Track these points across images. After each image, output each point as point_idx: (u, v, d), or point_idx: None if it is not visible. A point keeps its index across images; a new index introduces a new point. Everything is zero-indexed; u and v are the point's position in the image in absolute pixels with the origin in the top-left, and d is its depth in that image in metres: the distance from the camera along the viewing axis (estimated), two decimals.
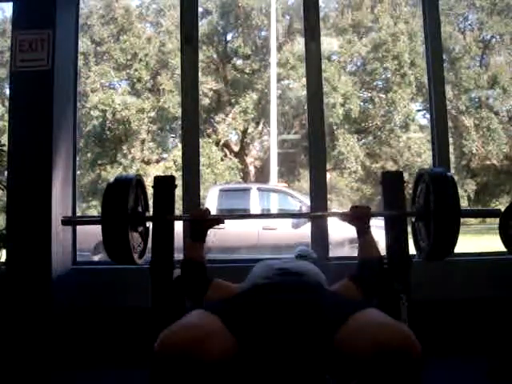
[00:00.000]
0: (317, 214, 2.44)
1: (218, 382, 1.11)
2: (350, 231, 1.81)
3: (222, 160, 10.99)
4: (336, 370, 1.18)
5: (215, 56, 11.96)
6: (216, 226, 1.80)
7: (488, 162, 11.52)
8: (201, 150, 2.61)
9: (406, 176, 1.86)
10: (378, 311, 1.18)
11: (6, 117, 2.74)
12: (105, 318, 2.29)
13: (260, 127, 11.88)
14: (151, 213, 1.79)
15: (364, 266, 1.66)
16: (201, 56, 2.83)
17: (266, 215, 7.04)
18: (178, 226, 1.87)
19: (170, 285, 1.69)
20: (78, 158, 2.61)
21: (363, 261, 1.69)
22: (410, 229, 1.86)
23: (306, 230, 2.70)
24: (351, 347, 1.08)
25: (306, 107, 2.55)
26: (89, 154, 11.35)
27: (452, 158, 3.36)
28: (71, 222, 2.18)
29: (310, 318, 1.20)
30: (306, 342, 1.17)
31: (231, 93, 11.65)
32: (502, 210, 1.73)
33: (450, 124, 8.41)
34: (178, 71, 4.26)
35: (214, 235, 1.90)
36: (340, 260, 2.44)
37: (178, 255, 1.78)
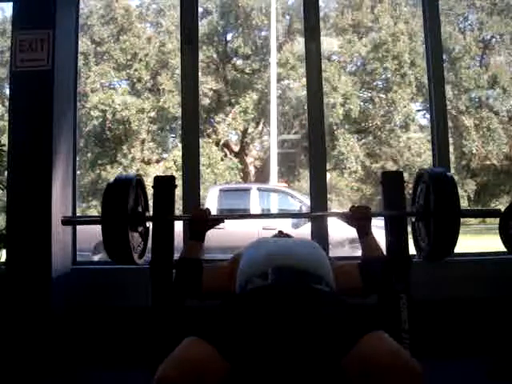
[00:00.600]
0: (317, 214, 2.44)
1: None
2: (350, 231, 1.81)
3: (222, 160, 10.99)
4: None
5: (215, 56, 11.95)
6: (216, 226, 1.80)
7: (488, 162, 11.51)
8: (201, 149, 2.62)
9: (406, 176, 1.86)
10: (385, 336, 1.14)
11: (6, 117, 2.74)
12: (105, 318, 2.29)
13: (260, 127, 11.88)
14: (151, 213, 1.79)
15: (367, 267, 1.66)
16: (201, 56, 2.83)
17: (266, 215, 7.03)
18: (178, 226, 1.87)
19: (170, 285, 1.69)
20: (78, 158, 2.62)
21: (366, 262, 1.68)
22: (410, 229, 1.86)
23: (306, 230, 2.69)
24: (355, 373, 1.07)
25: (305, 107, 2.55)
26: (89, 154, 11.35)
27: (452, 158, 3.36)
28: (71, 221, 2.18)
29: (312, 342, 1.14)
30: (308, 367, 1.14)
31: (231, 93, 11.65)
32: (502, 210, 1.73)
33: (450, 124, 8.43)
34: (178, 71, 4.26)
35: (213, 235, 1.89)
36: (340, 260, 2.43)
37: (178, 255, 1.78)
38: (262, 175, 11.21)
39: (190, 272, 1.64)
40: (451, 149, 9.00)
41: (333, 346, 1.12)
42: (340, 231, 2.95)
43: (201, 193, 2.54)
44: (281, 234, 1.84)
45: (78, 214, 2.93)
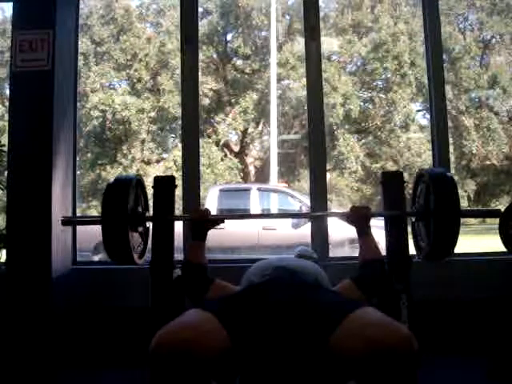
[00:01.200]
0: (317, 214, 2.44)
1: (213, 379, 1.12)
2: (350, 231, 1.81)
3: (222, 160, 10.99)
4: (332, 370, 1.17)
5: (215, 56, 11.96)
6: (216, 226, 1.81)
7: (488, 162, 11.52)
8: (201, 150, 2.62)
9: (406, 176, 1.86)
10: (373, 310, 1.16)
11: (6, 117, 2.73)
12: (105, 318, 2.29)
13: (260, 127, 11.88)
14: (151, 213, 1.79)
15: (365, 268, 1.66)
16: (201, 56, 2.83)
17: (266, 215, 7.04)
18: (178, 226, 1.87)
19: (170, 285, 1.70)
20: (78, 158, 2.61)
21: (364, 262, 1.69)
22: (410, 229, 1.86)
23: (306, 230, 2.69)
24: (346, 348, 1.07)
25: (306, 107, 2.55)
26: (89, 154, 11.36)
27: (452, 158, 3.36)
28: (71, 222, 2.18)
29: (304, 319, 1.19)
30: (299, 342, 1.16)
31: (231, 93, 11.65)
32: (502, 210, 1.73)
33: (450, 124, 8.42)
34: (178, 71, 4.26)
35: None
36: (340, 260, 2.44)
37: (178, 255, 1.78)
38: (262, 175, 11.22)
39: (196, 281, 1.64)
40: (451, 149, 9.00)
41: (319, 324, 1.15)
42: (340, 231, 2.95)
43: (201, 193, 2.54)
44: None
45: (78, 214, 2.93)
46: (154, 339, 1.06)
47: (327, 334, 1.11)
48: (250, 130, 11.71)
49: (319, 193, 2.44)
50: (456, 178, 1.73)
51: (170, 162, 10.74)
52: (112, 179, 1.69)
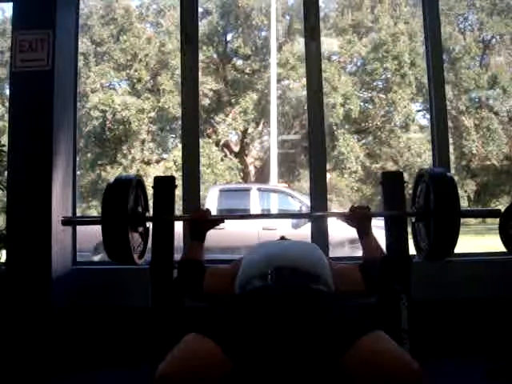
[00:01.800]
0: (317, 214, 2.44)
1: None
2: (350, 231, 1.81)
3: (222, 160, 11.00)
4: None
5: (215, 56, 11.96)
6: (216, 227, 1.80)
7: (488, 163, 11.52)
8: (201, 150, 2.61)
9: (406, 176, 1.86)
10: (384, 337, 1.14)
11: (6, 117, 2.73)
12: (105, 318, 2.29)
13: (260, 127, 11.89)
14: (151, 213, 1.79)
15: (369, 268, 1.66)
16: (201, 56, 2.83)
17: (266, 215, 7.03)
18: (178, 227, 1.87)
19: (170, 285, 1.69)
20: (78, 158, 2.61)
21: (367, 262, 1.69)
22: (410, 229, 1.86)
23: (306, 231, 2.69)
24: (356, 375, 1.06)
25: (306, 107, 2.55)
26: (89, 155, 11.36)
27: (452, 158, 3.36)
28: (71, 222, 2.18)
29: (311, 342, 1.14)
30: (306, 366, 1.13)
31: (231, 93, 11.65)
32: (502, 210, 1.73)
33: (450, 124, 8.42)
34: (178, 71, 4.26)
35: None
36: (340, 260, 2.44)
37: (178, 255, 1.78)
38: (262, 175, 11.22)
39: (191, 273, 1.65)
40: (451, 149, 9.00)
41: (330, 345, 1.12)
42: (340, 231, 2.95)
43: (201, 193, 2.54)
44: (282, 239, 1.84)
45: (77, 214, 2.93)
46: (157, 371, 1.05)
47: (337, 358, 1.09)
48: (250, 130, 11.71)
49: (319, 193, 2.44)
50: (456, 178, 1.73)
51: (170, 162, 10.75)
52: (112, 179, 1.69)
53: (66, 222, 1.91)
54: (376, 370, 1.03)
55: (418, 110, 11.74)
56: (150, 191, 1.81)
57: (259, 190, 6.45)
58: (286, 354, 1.14)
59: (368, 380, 1.04)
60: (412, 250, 1.78)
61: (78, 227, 2.41)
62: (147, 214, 1.82)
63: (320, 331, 1.16)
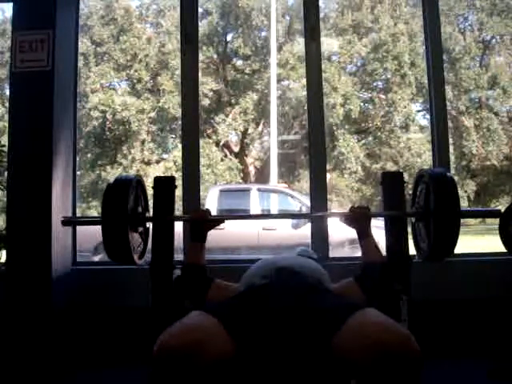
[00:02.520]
0: (317, 214, 2.44)
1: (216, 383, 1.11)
2: (350, 231, 1.81)
3: (222, 160, 11.00)
4: (334, 372, 1.17)
5: (215, 56, 11.96)
6: (216, 227, 1.80)
7: (488, 163, 11.52)
8: (201, 150, 2.62)
9: (406, 176, 1.86)
10: (375, 312, 1.16)
11: (6, 117, 2.74)
12: (105, 318, 2.29)
13: (260, 128, 11.88)
14: (151, 213, 1.79)
15: (367, 270, 1.66)
16: (201, 56, 2.83)
17: (266, 216, 7.04)
18: (178, 227, 1.87)
19: (170, 285, 1.69)
20: (78, 159, 2.61)
21: (366, 264, 1.68)
22: (410, 229, 1.86)
23: (305, 231, 2.69)
24: (349, 351, 1.06)
25: (306, 108, 2.55)
26: (89, 155, 11.36)
27: (452, 158, 3.36)
28: (71, 222, 2.18)
29: (306, 323, 1.18)
30: (302, 346, 1.16)
31: (231, 93, 11.66)
32: (502, 210, 1.73)
33: (450, 124, 8.43)
34: (178, 72, 4.25)
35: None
36: (340, 261, 2.44)
37: (178, 255, 1.78)
38: (262, 176, 11.22)
39: (195, 281, 1.64)
40: (451, 149, 9.00)
41: (322, 326, 1.14)
42: (340, 232, 2.95)
43: (201, 193, 2.54)
44: None
45: (78, 215, 2.93)
46: (157, 342, 1.05)
47: (329, 337, 1.10)
48: (250, 131, 11.71)
49: (319, 193, 2.44)
50: (456, 178, 1.73)
51: (170, 163, 10.75)
52: (112, 180, 1.69)
53: (66, 222, 1.91)
54: (367, 341, 1.02)
55: (418, 111, 11.75)
56: (150, 191, 1.81)
57: (259, 190, 6.45)
58: (283, 339, 1.17)
59: (361, 353, 1.02)
60: (412, 250, 1.78)
61: (78, 227, 2.41)
62: (147, 214, 1.81)
63: (311, 316, 1.19)
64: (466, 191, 11.45)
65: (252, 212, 5.81)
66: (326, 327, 1.13)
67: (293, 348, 1.16)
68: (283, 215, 6.01)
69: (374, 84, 11.99)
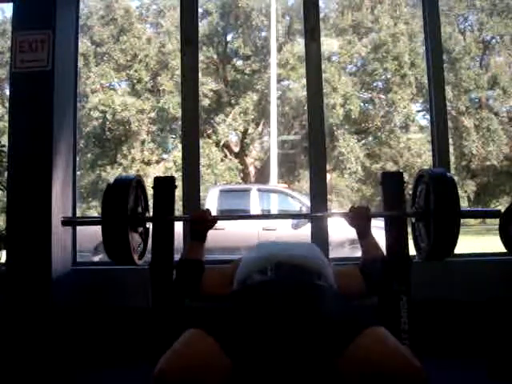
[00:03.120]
0: (317, 214, 2.44)
1: None
2: (350, 232, 1.81)
3: (222, 161, 11.01)
4: None
5: (215, 56, 11.97)
6: (216, 227, 1.80)
7: (488, 163, 11.52)
8: (201, 150, 2.61)
9: (406, 177, 1.86)
10: (382, 333, 1.12)
11: (6, 117, 2.74)
12: (105, 318, 2.29)
13: (260, 128, 11.89)
14: (151, 213, 1.79)
15: (369, 265, 1.66)
16: (201, 57, 2.84)
17: (266, 216, 7.03)
18: (178, 227, 1.87)
19: (170, 285, 1.69)
20: (78, 159, 2.61)
21: (367, 260, 1.68)
22: (410, 229, 1.86)
23: (306, 231, 2.69)
24: (351, 374, 1.05)
25: (306, 108, 2.55)
26: (89, 155, 11.38)
27: (452, 158, 3.37)
28: (71, 222, 2.18)
29: (310, 339, 1.13)
30: (304, 364, 1.12)
31: (231, 93, 11.66)
32: (502, 210, 1.73)
33: (450, 125, 8.42)
34: (178, 72, 4.26)
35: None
36: (340, 261, 2.44)
37: (178, 255, 1.78)
38: (262, 176, 11.22)
39: (189, 273, 1.65)
40: (451, 149, 9.00)
41: (328, 344, 1.11)
42: (340, 232, 2.95)
43: (201, 193, 2.54)
44: None
45: (77, 215, 2.93)
46: (156, 367, 1.04)
47: (334, 356, 1.08)
48: (250, 131, 11.72)
49: (319, 193, 2.44)
50: (456, 178, 1.73)
51: (170, 163, 10.76)
52: (112, 180, 1.69)
53: (66, 222, 1.91)
54: (375, 367, 1.01)
55: (418, 111, 11.77)
56: (150, 191, 1.81)
57: (259, 190, 6.45)
58: (285, 354, 1.13)
59: (363, 382, 1.01)
60: (412, 250, 1.78)
61: (78, 227, 2.41)
62: (147, 215, 1.82)
63: (318, 329, 1.15)
64: (465, 191, 11.46)
65: (252, 212, 5.81)
66: (330, 347, 1.10)
67: (294, 366, 1.12)
68: (283, 215, 6.01)
69: (374, 84, 12.01)
